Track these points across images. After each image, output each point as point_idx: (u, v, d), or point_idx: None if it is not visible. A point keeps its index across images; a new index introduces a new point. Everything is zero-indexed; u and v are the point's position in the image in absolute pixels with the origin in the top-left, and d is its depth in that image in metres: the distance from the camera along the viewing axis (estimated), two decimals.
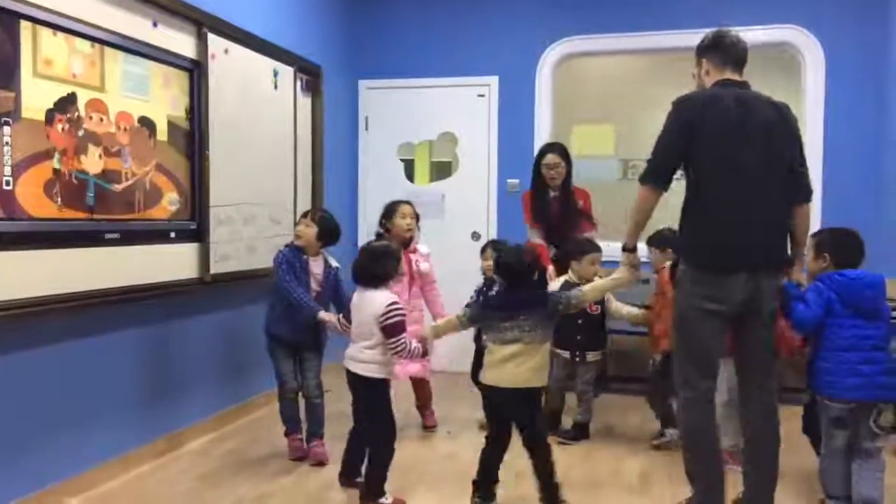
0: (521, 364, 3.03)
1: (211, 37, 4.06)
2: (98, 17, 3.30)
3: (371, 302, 3.13)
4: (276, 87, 4.78)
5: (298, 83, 5.06)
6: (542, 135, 5.74)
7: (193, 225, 4.01)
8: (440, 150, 6.14)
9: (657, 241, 4.04)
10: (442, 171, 6.15)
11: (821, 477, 3.07)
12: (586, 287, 3.33)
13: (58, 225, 3.13)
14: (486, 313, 3.16)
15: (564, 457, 3.89)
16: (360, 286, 3.20)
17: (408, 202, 4.32)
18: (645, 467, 3.74)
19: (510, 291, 3.14)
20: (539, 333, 3.05)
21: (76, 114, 3.20)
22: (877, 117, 5.10)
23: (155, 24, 3.68)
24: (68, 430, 3.27)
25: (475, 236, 5.84)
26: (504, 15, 5.78)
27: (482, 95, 5.88)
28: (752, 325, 2.85)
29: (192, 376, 4.07)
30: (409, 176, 6.14)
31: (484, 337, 3.27)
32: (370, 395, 3.18)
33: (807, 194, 2.93)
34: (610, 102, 6.75)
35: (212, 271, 4.06)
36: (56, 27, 3.09)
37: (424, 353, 3.27)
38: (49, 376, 3.17)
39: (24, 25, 2.94)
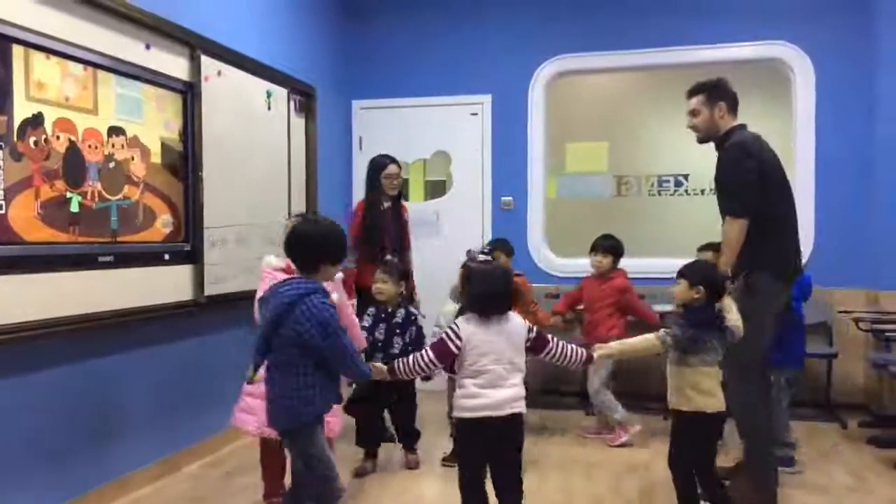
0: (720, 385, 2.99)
1: (204, 59, 4.07)
2: (90, 41, 3.31)
3: (514, 325, 2.73)
4: (269, 108, 4.79)
5: (292, 104, 5.08)
6: (536, 152, 5.77)
7: (187, 247, 3.99)
8: (434, 169, 6.15)
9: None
10: (436, 189, 6.15)
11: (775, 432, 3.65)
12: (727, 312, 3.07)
13: (51, 249, 3.11)
14: (703, 335, 2.93)
15: (564, 476, 3.87)
16: (492, 316, 2.70)
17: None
18: (644, 484, 3.72)
19: (711, 307, 2.99)
20: None
21: (68, 136, 3.20)
22: (866, 131, 5.14)
23: (148, 47, 3.69)
24: (64, 455, 3.23)
25: (470, 255, 5.83)
26: (497, 33, 5.81)
27: (475, 114, 5.90)
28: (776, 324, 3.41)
29: (188, 399, 4.04)
30: (404, 195, 6.13)
31: (688, 360, 2.95)
32: (521, 432, 2.80)
33: None
34: (603, 119, 6.78)
35: (206, 293, 4.05)
36: (48, 51, 3.10)
37: (589, 360, 2.92)
38: (43, 400, 3.13)
39: (17, 49, 2.94)
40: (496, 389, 2.64)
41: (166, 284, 3.81)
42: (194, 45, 4.00)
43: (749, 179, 3.23)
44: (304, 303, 2.47)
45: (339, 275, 3.27)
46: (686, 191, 6.39)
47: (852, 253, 5.12)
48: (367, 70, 6.06)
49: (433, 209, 6.02)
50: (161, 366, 3.85)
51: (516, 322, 2.73)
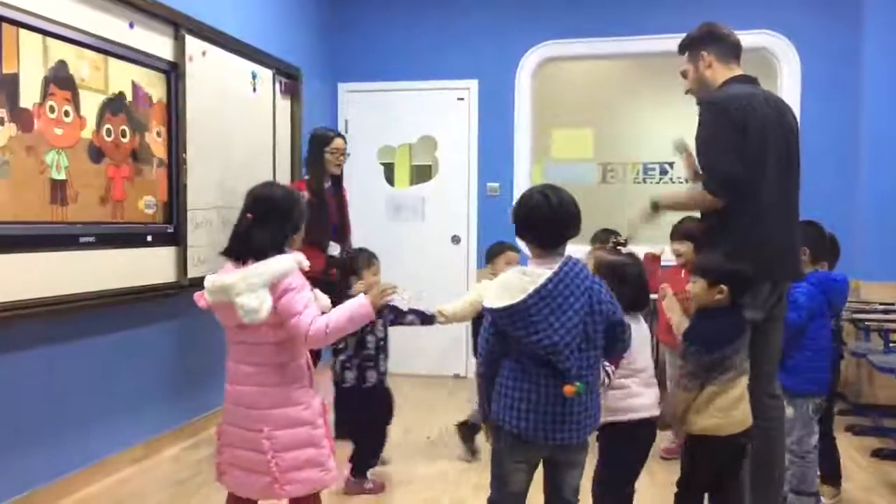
0: (746, 401, 2.48)
1: (189, 39, 4.02)
2: (74, 19, 3.26)
3: (643, 325, 2.56)
4: (254, 89, 4.74)
5: (277, 86, 5.04)
6: (522, 138, 5.77)
7: (171, 228, 3.96)
8: (420, 154, 6.14)
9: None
10: (422, 174, 6.14)
11: (798, 476, 3.00)
12: None
13: (31, 229, 3.07)
14: (726, 352, 2.42)
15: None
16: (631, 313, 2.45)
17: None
18: None
19: (736, 311, 2.50)
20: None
21: (52, 115, 3.16)
22: (850, 122, 5.18)
23: (132, 26, 3.64)
24: (45, 437, 3.22)
25: (455, 240, 5.84)
26: (484, 18, 5.79)
27: (462, 99, 5.89)
28: (770, 334, 2.68)
29: (170, 382, 4.03)
30: (390, 179, 6.13)
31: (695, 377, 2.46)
32: None
33: None
34: (589, 106, 6.78)
35: (189, 275, 4.02)
36: (31, 28, 3.05)
37: None
38: (24, 382, 3.11)
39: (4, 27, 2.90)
40: (650, 388, 2.50)
41: (149, 266, 3.78)
42: (179, 24, 3.95)
43: (723, 146, 2.55)
44: (596, 280, 2.15)
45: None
46: (671, 178, 6.40)
47: None
48: (353, 53, 6.02)
49: (419, 194, 6.00)
50: (142, 348, 3.83)
51: (642, 322, 2.56)
